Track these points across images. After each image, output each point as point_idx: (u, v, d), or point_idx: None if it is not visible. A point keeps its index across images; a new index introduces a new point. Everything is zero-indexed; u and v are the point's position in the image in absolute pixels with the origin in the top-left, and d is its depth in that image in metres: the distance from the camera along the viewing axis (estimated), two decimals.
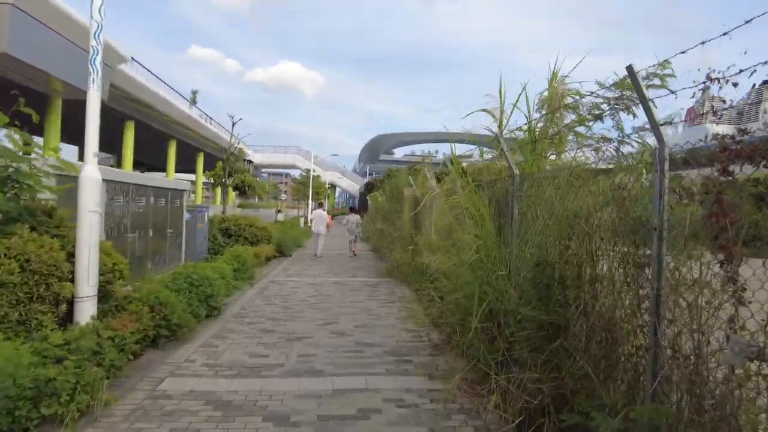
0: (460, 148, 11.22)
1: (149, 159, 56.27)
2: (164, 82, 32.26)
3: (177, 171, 53.99)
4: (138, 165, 53.89)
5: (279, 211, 29.22)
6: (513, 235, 4.10)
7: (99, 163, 5.49)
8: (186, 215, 11.98)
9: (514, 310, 3.46)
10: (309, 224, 28.22)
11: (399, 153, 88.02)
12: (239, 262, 10.18)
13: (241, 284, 9.46)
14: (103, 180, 7.84)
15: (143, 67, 27.65)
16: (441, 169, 10.83)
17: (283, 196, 41.11)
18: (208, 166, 61.67)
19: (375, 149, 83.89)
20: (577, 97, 3.99)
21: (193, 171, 59.02)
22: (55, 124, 22.53)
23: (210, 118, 46.76)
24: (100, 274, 4.72)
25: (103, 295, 4.83)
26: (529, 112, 4.11)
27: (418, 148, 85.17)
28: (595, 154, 3.92)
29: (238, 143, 15.43)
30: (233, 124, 15.36)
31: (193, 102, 45.73)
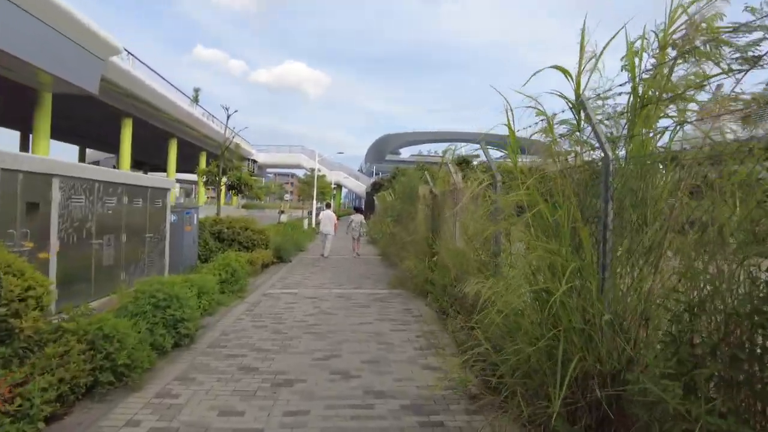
0: (469, 150, 9.70)
1: (151, 159, 55.31)
2: (162, 77, 31.08)
3: (180, 171, 52.96)
4: (140, 165, 53.01)
5: (282, 211, 27.86)
6: (605, 254, 2.64)
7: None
8: (171, 217, 10.62)
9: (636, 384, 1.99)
10: (313, 225, 26.84)
11: (405, 153, 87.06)
12: (228, 271, 8.78)
13: (228, 299, 8.05)
14: (57, 176, 6.49)
15: (139, 61, 26.42)
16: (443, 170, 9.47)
17: (287, 197, 39.69)
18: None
19: (381, 149, 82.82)
20: (710, 38, 2.53)
21: (196, 171, 58.17)
22: (44, 120, 21.32)
23: (212, 116, 45.59)
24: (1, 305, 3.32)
25: (5, 334, 3.42)
26: (631, 63, 2.63)
27: (425, 148, 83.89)
28: (744, 124, 2.46)
29: (233, 137, 14.03)
30: (228, 117, 13.99)
31: (196, 100, 44.42)
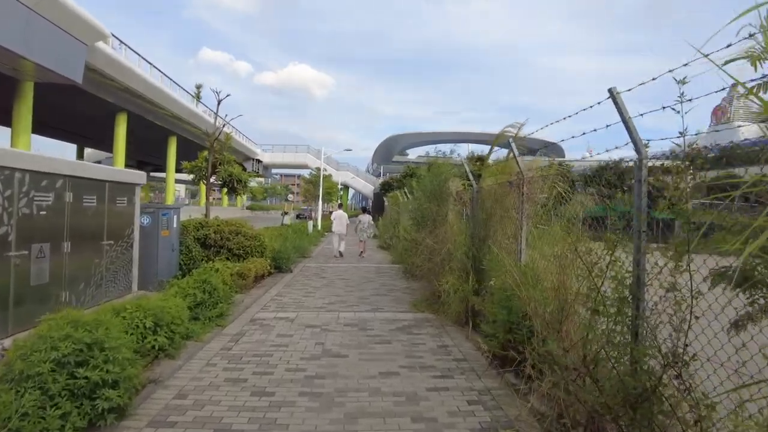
0: (478, 150, 7.84)
1: (154, 159, 53.61)
2: (159, 70, 29.28)
3: (180, 171, 51.27)
4: (143, 165, 51.17)
5: (285, 213, 25.93)
6: None
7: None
8: (141, 220, 8.65)
9: None
10: (318, 227, 24.84)
11: (413, 154, 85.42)
12: (206, 290, 6.76)
13: (202, 329, 6.03)
14: None
15: (130, 49, 24.52)
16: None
17: (291, 197, 37.69)
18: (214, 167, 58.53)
19: (389, 150, 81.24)
20: None
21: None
22: (25, 113, 19.49)
23: (215, 113, 43.77)
24: None
25: None
26: None
27: (433, 149, 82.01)
28: None
29: (223, 126, 12.05)
30: (218, 102, 12.02)
31: (198, 98, 42.84)
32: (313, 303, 8.04)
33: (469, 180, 7.24)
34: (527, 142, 5.78)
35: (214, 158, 11.66)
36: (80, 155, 43.99)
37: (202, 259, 9.91)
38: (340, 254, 15.31)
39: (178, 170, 50.35)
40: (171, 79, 31.62)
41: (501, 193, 5.71)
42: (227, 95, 12.14)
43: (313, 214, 25.77)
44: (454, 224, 7.43)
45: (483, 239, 5.87)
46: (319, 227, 25.24)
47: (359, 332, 6.19)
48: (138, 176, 8.20)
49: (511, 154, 5.08)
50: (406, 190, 14.79)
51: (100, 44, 19.49)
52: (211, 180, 11.91)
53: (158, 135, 36.14)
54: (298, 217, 36.64)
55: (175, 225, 9.46)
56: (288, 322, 6.67)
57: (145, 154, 50.41)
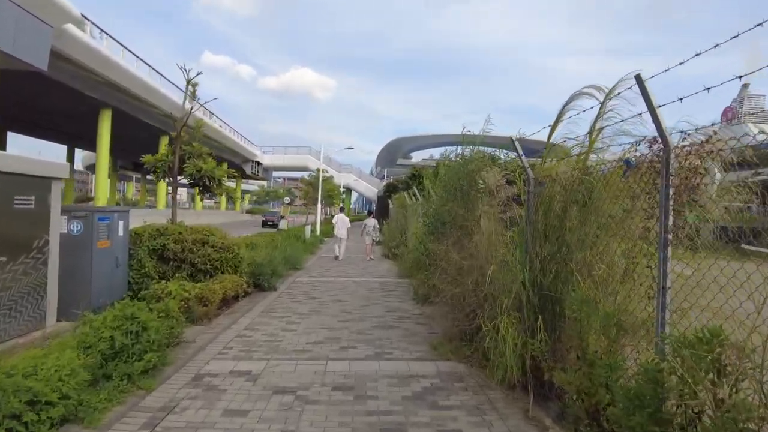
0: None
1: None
2: (144, 62, 27.20)
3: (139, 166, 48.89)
4: (139, 167, 49.14)
5: (282, 217, 23.72)
6: None
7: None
8: (69, 226, 6.50)
9: None
10: (317, 233, 22.62)
11: (417, 157, 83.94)
12: (131, 331, 4.54)
13: (105, 400, 3.81)
14: None
15: (107, 34, 22.39)
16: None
17: (287, 199, 35.36)
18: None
19: (393, 152, 79.73)
20: None
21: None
22: None
23: (211, 113, 41.76)
24: None
25: None
26: None
27: (437, 152, 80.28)
28: None
29: (192, 110, 9.89)
30: (188, 82, 9.82)
31: (193, 96, 40.32)
32: (293, 342, 5.80)
33: (515, 172, 5.01)
34: (532, 144, 5.06)
35: (182, 150, 9.47)
36: (70, 156, 42.02)
37: (160, 276, 7.73)
38: (336, 258, 15.36)
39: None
40: (159, 72, 29.57)
41: (581, 189, 3.47)
42: (198, 73, 9.96)
43: (279, 218, 23.57)
44: (491, 233, 5.19)
45: (557, 260, 3.62)
46: (318, 232, 22.97)
47: (354, 405, 3.94)
48: (56, 168, 6.02)
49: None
50: (416, 190, 12.55)
51: (72, 28, 17.39)
52: (179, 179, 9.72)
53: (147, 134, 34.12)
54: (264, 224, 33.80)
55: (120, 233, 7.28)
56: (249, 382, 4.43)
57: (137, 155, 48.35)
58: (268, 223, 35.11)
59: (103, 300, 6.59)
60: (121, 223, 7.26)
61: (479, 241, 5.40)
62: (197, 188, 10.00)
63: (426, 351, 5.51)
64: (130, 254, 7.60)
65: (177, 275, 7.74)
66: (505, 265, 4.44)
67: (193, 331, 6.15)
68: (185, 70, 9.77)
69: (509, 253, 4.47)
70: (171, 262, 7.92)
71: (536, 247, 4.00)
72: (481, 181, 5.60)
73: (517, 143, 4.76)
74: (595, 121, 3.46)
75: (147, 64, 27.60)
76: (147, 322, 4.71)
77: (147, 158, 9.57)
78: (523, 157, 4.42)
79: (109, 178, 33.95)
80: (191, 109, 9.72)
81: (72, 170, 42.71)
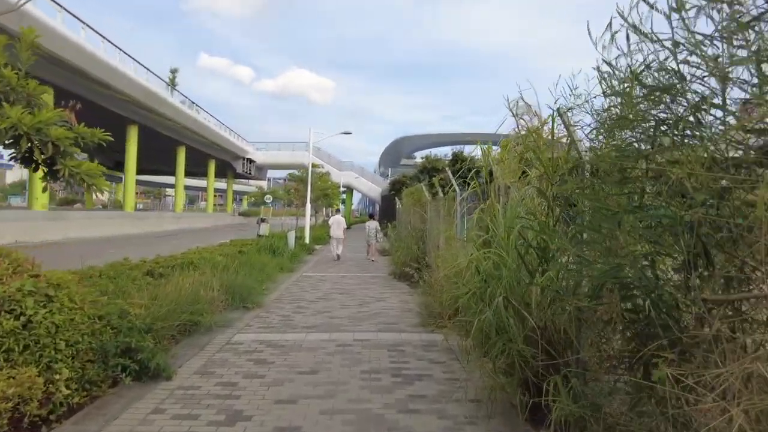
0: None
1: (157, 164, 47.32)
2: (111, 42, 23.28)
3: (186, 176, 44.92)
4: (141, 173, 44.67)
5: (263, 220, 19.66)
6: None
7: None
8: None
9: None
10: (302, 240, 18.51)
11: (420, 158, 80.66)
12: None
13: None
14: None
15: (67, 11, 18.46)
16: None
17: (268, 198, 31.13)
18: (220, 172, 50.73)
19: (396, 152, 76.77)
20: None
21: (204, 175, 49.67)
22: None
23: (194, 103, 37.92)
24: None
25: None
26: None
27: (441, 153, 77.07)
28: None
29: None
30: None
31: (173, 85, 36.60)
32: None
33: None
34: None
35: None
36: None
37: None
38: (338, 257, 15.56)
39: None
40: (128, 54, 25.67)
41: None
42: None
43: (259, 222, 19.40)
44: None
45: None
46: (307, 239, 18.79)
47: None
48: None
49: None
50: (442, 176, 8.50)
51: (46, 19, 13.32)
52: None
53: (116, 126, 30.27)
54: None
55: None
56: None
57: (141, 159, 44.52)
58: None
59: None
60: None
61: None
62: (30, 167, 4.67)
63: None
64: None
65: None
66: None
67: None
68: None
69: None
70: None
71: None
72: None
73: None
74: None
75: (111, 42, 23.72)
76: None
77: None
78: None
79: None
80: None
81: None
